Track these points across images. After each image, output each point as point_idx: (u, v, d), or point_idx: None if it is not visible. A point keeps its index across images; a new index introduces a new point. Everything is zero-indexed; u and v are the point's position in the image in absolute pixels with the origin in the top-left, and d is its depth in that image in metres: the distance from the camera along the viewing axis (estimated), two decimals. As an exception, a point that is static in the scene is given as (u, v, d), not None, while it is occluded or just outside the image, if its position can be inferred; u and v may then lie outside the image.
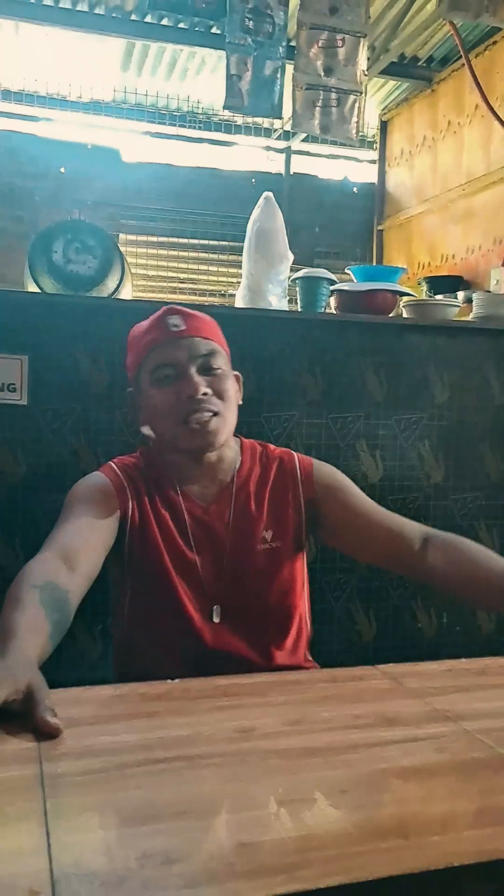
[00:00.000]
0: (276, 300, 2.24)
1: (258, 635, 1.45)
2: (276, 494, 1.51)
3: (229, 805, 0.80)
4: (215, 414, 1.41)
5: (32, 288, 2.31)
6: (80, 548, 1.32)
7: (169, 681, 1.12)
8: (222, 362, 1.46)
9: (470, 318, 2.50)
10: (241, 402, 1.52)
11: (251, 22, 3.36)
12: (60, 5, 4.37)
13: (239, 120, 5.55)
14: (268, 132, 5.66)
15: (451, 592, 1.52)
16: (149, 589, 1.44)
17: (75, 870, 0.67)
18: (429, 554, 1.44)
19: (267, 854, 0.70)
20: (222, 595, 1.44)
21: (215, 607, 1.44)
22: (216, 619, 1.43)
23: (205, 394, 1.40)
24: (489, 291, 3.26)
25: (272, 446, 1.59)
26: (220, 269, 5.62)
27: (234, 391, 1.47)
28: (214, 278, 5.66)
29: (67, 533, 1.35)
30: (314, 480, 1.53)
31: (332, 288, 2.33)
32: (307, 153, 5.90)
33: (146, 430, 1.54)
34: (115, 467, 1.49)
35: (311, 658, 1.56)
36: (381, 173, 5.57)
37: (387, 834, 0.75)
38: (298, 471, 1.53)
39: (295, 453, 1.57)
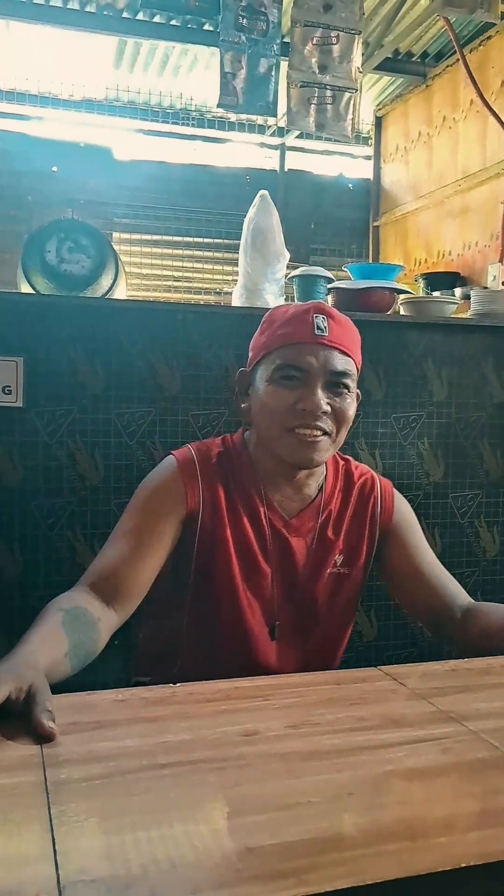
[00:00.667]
0: (273, 299, 2.23)
1: (311, 658, 1.43)
2: (355, 520, 1.46)
3: (234, 809, 0.79)
4: (325, 434, 1.33)
5: (26, 288, 2.30)
6: (124, 583, 1.29)
7: (171, 685, 1.12)
8: (352, 383, 1.36)
9: (468, 314, 2.49)
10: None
11: (245, 19, 3.36)
12: (51, 3, 4.35)
13: (233, 117, 5.55)
14: (262, 129, 5.65)
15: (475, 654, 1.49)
16: (210, 591, 1.39)
17: (82, 876, 0.66)
18: (468, 627, 1.39)
19: (274, 858, 0.70)
20: (285, 613, 1.41)
21: (276, 623, 1.40)
22: (275, 637, 1.40)
23: (323, 412, 1.32)
24: (486, 288, 3.26)
25: (353, 461, 1.53)
26: (215, 267, 5.61)
27: (353, 413, 1.37)
28: (209, 276, 5.65)
29: (112, 562, 1.30)
30: (393, 513, 1.48)
31: (329, 286, 2.32)
32: (301, 149, 5.90)
33: (242, 416, 1.47)
34: (194, 455, 1.40)
35: None
36: (377, 169, 5.57)
37: (393, 836, 0.75)
38: (380, 499, 1.48)
39: (376, 475, 1.52)
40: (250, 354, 1.44)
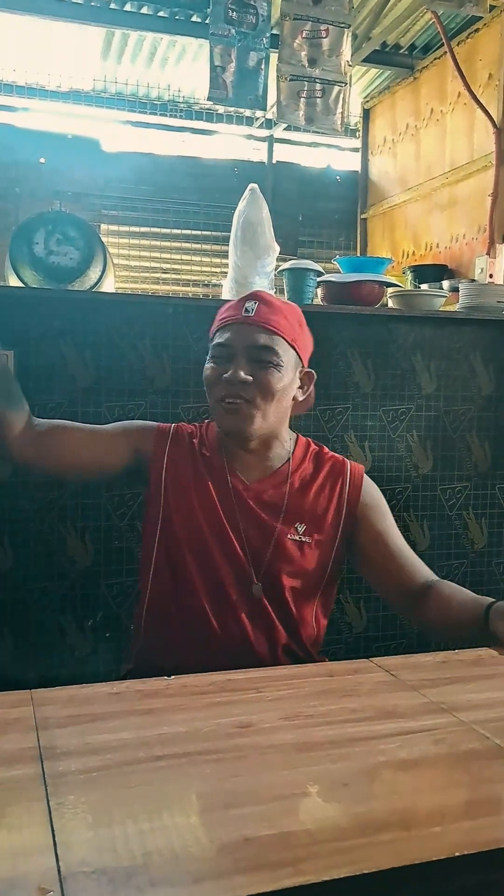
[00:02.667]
0: (263, 292, 2.23)
1: (290, 619, 1.48)
2: (321, 494, 1.52)
3: (231, 800, 0.80)
4: (247, 401, 1.42)
5: (14, 280, 2.29)
6: (83, 437, 1.50)
7: (165, 678, 1.13)
8: (280, 357, 1.44)
9: (456, 307, 2.51)
10: (312, 402, 1.57)
11: (234, 13, 3.34)
12: (39, -6, 4.32)
13: (220, 109, 5.52)
14: (249, 121, 5.64)
15: (441, 636, 1.55)
16: (183, 550, 1.46)
17: (82, 867, 0.67)
18: (430, 604, 1.46)
19: (271, 848, 0.71)
20: (255, 575, 1.46)
21: (255, 578, 1.45)
22: (251, 596, 1.45)
23: (243, 381, 1.41)
24: (474, 280, 3.27)
25: (326, 448, 1.59)
26: (203, 259, 5.60)
27: (285, 387, 1.46)
28: (197, 268, 5.64)
29: (79, 425, 1.53)
30: (361, 493, 1.54)
31: (318, 279, 2.33)
32: (289, 141, 5.89)
33: None
34: (173, 424, 1.56)
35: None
36: (364, 161, 5.56)
37: (388, 826, 0.76)
38: (349, 480, 1.54)
39: (348, 461, 1.58)
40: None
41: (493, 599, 1.37)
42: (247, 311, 1.46)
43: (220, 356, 1.46)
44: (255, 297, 1.49)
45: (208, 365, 1.48)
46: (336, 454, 1.59)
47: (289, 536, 1.49)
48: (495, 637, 1.30)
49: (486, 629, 1.33)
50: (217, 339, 1.48)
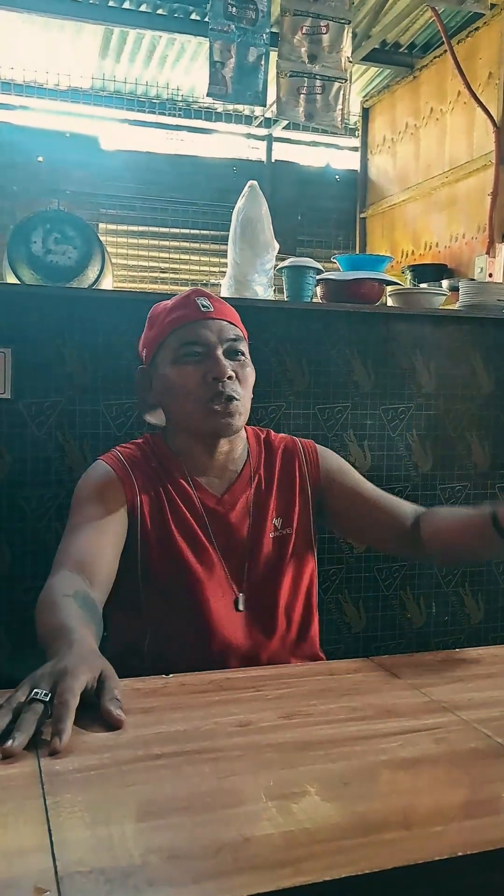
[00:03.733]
0: (262, 290, 2.23)
1: (276, 625, 1.45)
2: (284, 481, 1.51)
3: (230, 800, 0.79)
4: (236, 399, 1.40)
5: (11, 279, 2.29)
6: (94, 560, 1.30)
7: (164, 676, 1.12)
8: (245, 349, 1.46)
9: (456, 306, 2.50)
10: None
11: (234, 8, 3.33)
12: (38, -9, 4.30)
13: (219, 107, 5.52)
14: (248, 119, 5.63)
15: (447, 560, 1.53)
16: (168, 582, 1.41)
17: (79, 867, 0.66)
18: (422, 533, 1.46)
19: (272, 848, 0.70)
20: (243, 585, 1.44)
21: (240, 596, 1.43)
22: (241, 609, 1.43)
23: (229, 377, 1.39)
24: (473, 279, 3.27)
25: (273, 432, 1.59)
26: (202, 259, 5.58)
27: (253, 380, 1.46)
28: (196, 267, 5.62)
29: (79, 546, 1.32)
30: (319, 465, 1.54)
31: (318, 277, 2.32)
32: (288, 140, 5.88)
33: (151, 419, 1.55)
34: (120, 456, 1.45)
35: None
36: (364, 160, 5.55)
37: (389, 825, 0.75)
38: (304, 455, 1.54)
39: (297, 439, 1.58)
40: (144, 353, 1.51)
41: (490, 507, 1.34)
42: (204, 307, 1.43)
43: (190, 355, 1.40)
44: (200, 293, 1.47)
45: (178, 368, 1.40)
46: (282, 435, 1.58)
47: (270, 534, 1.47)
48: None
49: (497, 536, 1.29)
50: (180, 340, 1.41)
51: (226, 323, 1.44)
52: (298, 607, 1.49)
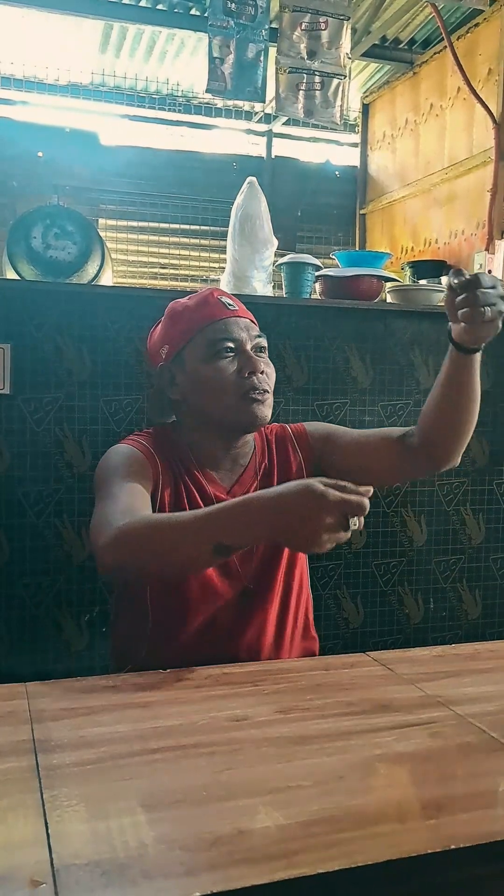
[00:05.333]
0: (261, 286, 2.23)
1: (278, 605, 1.48)
2: (282, 466, 1.55)
3: (226, 793, 0.80)
4: (269, 392, 1.46)
5: (11, 275, 2.29)
6: (142, 509, 1.30)
7: (161, 671, 1.13)
8: (266, 345, 1.51)
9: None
10: None
11: (233, 4, 3.32)
12: (37, -14, 4.30)
13: (219, 103, 5.50)
14: (249, 115, 5.62)
15: (449, 439, 1.54)
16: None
17: (75, 860, 0.67)
18: (414, 437, 1.51)
19: (266, 841, 0.70)
20: (247, 577, 1.46)
21: (244, 587, 1.45)
22: (245, 600, 1.44)
23: (262, 373, 1.44)
24: (472, 276, 3.26)
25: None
26: (202, 254, 5.58)
27: (274, 378, 1.51)
28: (196, 263, 5.62)
29: (120, 503, 1.28)
30: (309, 441, 1.58)
31: (317, 274, 2.32)
32: (288, 136, 5.87)
33: (163, 418, 1.58)
34: (139, 438, 1.48)
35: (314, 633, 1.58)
36: (363, 157, 5.54)
37: (383, 818, 0.76)
38: (293, 437, 1.58)
39: (286, 425, 1.62)
40: (165, 349, 1.51)
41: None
42: (230, 305, 1.47)
43: (223, 351, 1.44)
44: (221, 292, 1.51)
45: (212, 365, 1.43)
46: (272, 425, 1.61)
47: None
48: (469, 335, 1.33)
49: (463, 356, 1.37)
50: (212, 337, 1.44)
51: (249, 322, 1.49)
52: (297, 589, 1.51)
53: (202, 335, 1.45)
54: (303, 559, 1.56)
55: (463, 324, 1.31)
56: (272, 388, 1.48)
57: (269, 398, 1.46)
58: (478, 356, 1.41)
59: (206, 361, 1.44)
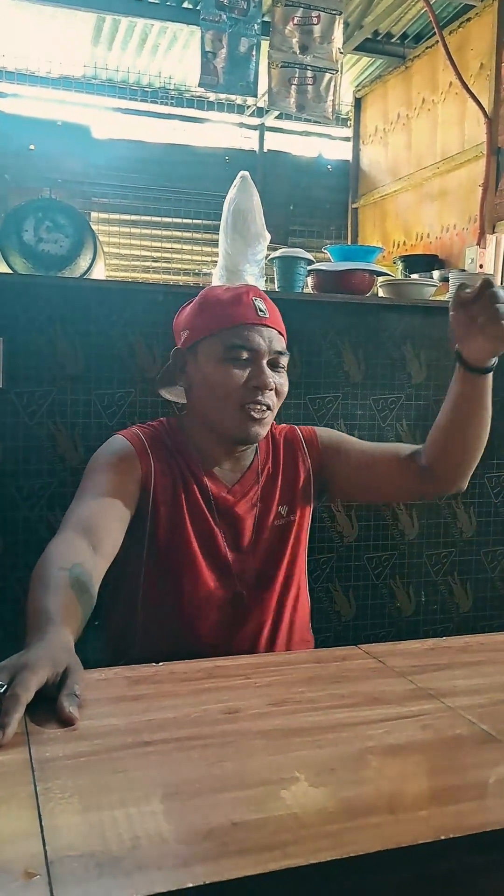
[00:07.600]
0: (253, 280, 2.22)
1: (273, 609, 1.48)
2: (288, 472, 1.55)
3: (219, 785, 0.80)
4: (270, 409, 1.43)
5: (2, 268, 2.28)
6: (101, 525, 1.30)
7: (154, 664, 1.13)
8: (285, 361, 1.47)
9: (446, 297, 2.50)
10: None
11: (226, -1, 3.33)
12: (29, -22, 4.28)
13: (211, 96, 5.50)
14: (241, 109, 5.61)
15: (458, 461, 1.49)
16: (171, 562, 1.43)
17: (69, 852, 0.67)
18: (423, 457, 1.50)
19: (259, 832, 0.71)
20: (243, 572, 1.46)
21: (239, 583, 1.45)
22: (238, 596, 1.45)
23: (271, 389, 1.41)
24: (464, 270, 3.27)
25: (275, 423, 1.60)
26: (194, 248, 5.58)
27: (286, 392, 1.48)
28: (188, 257, 5.62)
29: (88, 508, 1.32)
30: (319, 446, 1.57)
31: (309, 268, 2.32)
32: (281, 130, 5.87)
33: (168, 395, 1.58)
34: (139, 432, 1.47)
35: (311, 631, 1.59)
36: (356, 151, 5.55)
37: (375, 810, 0.76)
38: (303, 441, 1.58)
39: (296, 427, 1.61)
40: (185, 333, 1.48)
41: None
42: (262, 312, 1.42)
43: (237, 358, 1.40)
44: (258, 294, 1.46)
45: (223, 367, 1.40)
46: (282, 425, 1.61)
47: (275, 522, 1.50)
48: (485, 353, 1.31)
49: (470, 374, 1.35)
50: (231, 340, 1.40)
51: (276, 333, 1.44)
52: (294, 593, 1.52)
53: (222, 334, 1.41)
54: (302, 562, 1.56)
55: (480, 338, 1.29)
56: (279, 403, 1.45)
57: (270, 416, 1.43)
58: (490, 376, 1.37)
59: (218, 362, 1.41)
